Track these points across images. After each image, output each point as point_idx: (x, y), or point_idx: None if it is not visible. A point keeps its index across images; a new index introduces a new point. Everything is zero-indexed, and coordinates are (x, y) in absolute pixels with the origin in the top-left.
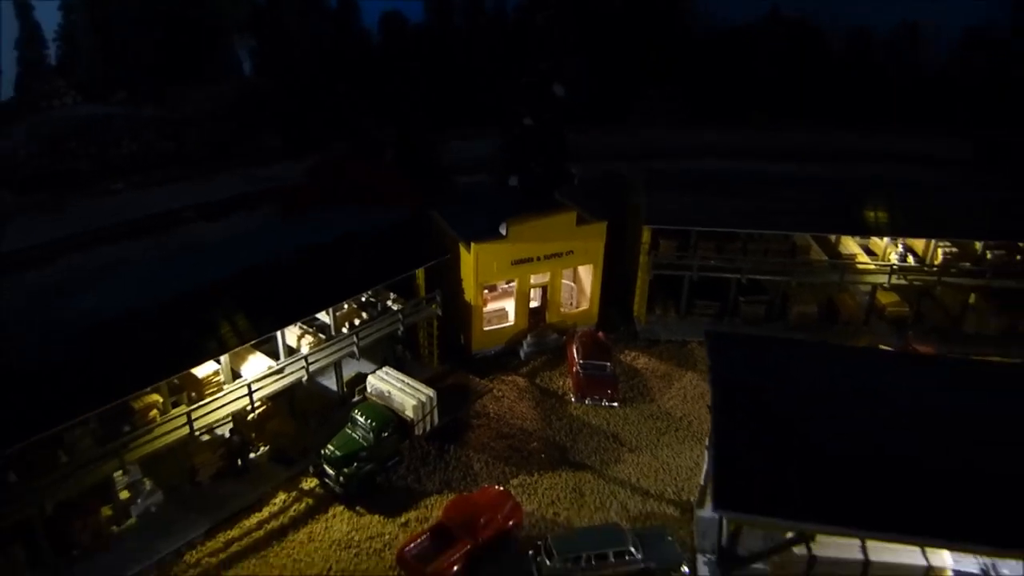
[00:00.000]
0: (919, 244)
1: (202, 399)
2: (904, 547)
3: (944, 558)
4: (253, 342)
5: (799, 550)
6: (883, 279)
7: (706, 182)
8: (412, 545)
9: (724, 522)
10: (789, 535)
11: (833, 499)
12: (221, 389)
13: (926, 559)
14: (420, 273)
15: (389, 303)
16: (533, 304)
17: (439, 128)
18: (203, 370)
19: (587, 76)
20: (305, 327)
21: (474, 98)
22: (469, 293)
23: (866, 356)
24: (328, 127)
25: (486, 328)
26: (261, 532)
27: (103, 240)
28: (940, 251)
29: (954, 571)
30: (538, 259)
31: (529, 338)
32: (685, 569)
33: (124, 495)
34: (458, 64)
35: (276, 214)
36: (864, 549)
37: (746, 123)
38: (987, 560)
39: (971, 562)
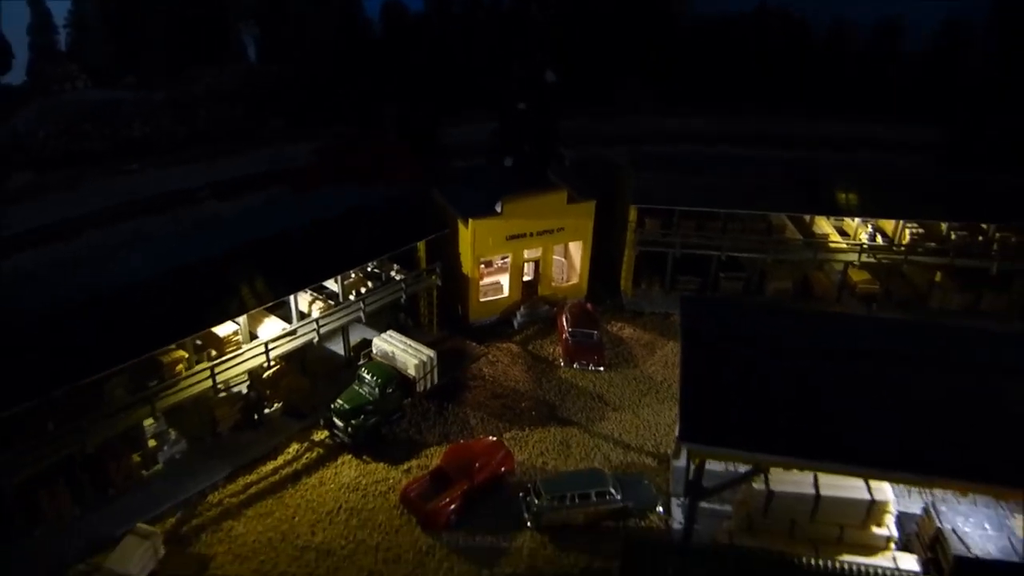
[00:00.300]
0: (888, 225)
1: (223, 357)
2: (851, 483)
3: (886, 492)
4: (268, 304)
5: (758, 485)
6: (854, 257)
7: (690, 165)
8: (414, 485)
9: (689, 456)
10: (747, 468)
11: (785, 435)
12: (240, 348)
13: (870, 494)
14: (421, 246)
15: (393, 273)
16: (526, 278)
17: (438, 115)
18: (224, 330)
19: (582, 68)
20: (316, 294)
21: (472, 85)
22: (467, 266)
23: (825, 317)
24: (333, 115)
25: (482, 299)
26: (277, 477)
27: (122, 215)
28: (908, 232)
29: (898, 511)
30: (531, 235)
31: (522, 309)
32: (660, 509)
33: (152, 443)
34: (456, 53)
35: (286, 192)
36: (816, 485)
37: (730, 110)
38: (928, 498)
39: (916, 504)
